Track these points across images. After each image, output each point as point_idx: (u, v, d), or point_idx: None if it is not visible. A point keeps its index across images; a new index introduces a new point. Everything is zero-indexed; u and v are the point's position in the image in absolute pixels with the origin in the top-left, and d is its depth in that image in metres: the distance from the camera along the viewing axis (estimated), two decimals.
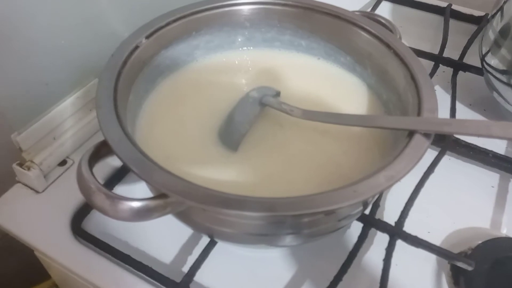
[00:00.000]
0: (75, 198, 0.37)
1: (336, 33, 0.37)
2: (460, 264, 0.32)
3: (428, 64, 0.49)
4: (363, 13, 0.37)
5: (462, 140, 0.40)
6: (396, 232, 0.34)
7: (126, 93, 0.31)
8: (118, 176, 0.38)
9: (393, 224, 0.34)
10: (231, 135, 0.32)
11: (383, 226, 0.34)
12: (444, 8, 0.55)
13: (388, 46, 0.33)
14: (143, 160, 0.25)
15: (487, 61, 0.43)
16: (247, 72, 0.39)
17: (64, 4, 0.35)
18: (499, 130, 0.25)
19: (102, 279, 0.33)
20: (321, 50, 0.39)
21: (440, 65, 0.48)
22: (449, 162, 0.41)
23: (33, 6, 0.33)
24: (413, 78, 0.30)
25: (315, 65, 0.39)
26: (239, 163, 0.32)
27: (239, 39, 0.39)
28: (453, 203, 0.38)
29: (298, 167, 0.32)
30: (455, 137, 0.40)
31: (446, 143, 0.40)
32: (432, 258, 0.34)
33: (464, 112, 0.46)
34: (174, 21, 0.35)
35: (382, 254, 0.33)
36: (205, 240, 0.34)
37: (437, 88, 0.48)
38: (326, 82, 0.38)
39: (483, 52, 0.43)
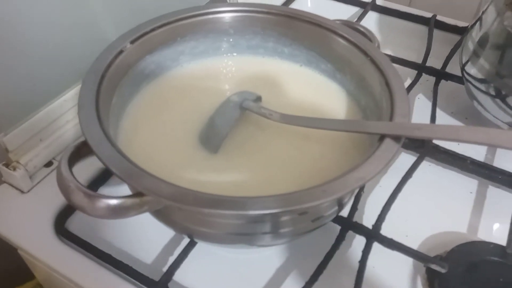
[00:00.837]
0: (60, 199, 0.37)
1: (317, 41, 0.38)
2: (434, 267, 0.33)
3: (411, 73, 0.50)
4: (343, 22, 0.38)
5: (441, 147, 0.41)
6: (372, 235, 0.35)
7: (110, 95, 0.32)
8: (103, 178, 0.39)
9: (370, 227, 0.35)
10: (212, 138, 0.33)
11: (360, 229, 0.35)
12: (429, 18, 0.57)
13: (365, 53, 0.34)
14: (121, 160, 0.26)
15: (467, 70, 0.44)
16: (231, 78, 0.40)
17: (55, 7, 0.36)
18: (467, 134, 0.26)
19: (83, 278, 0.33)
20: (303, 57, 0.40)
21: (423, 73, 0.49)
22: (428, 167, 0.42)
23: (24, 9, 0.34)
24: (387, 84, 0.31)
25: (297, 72, 0.40)
26: (220, 165, 0.32)
27: (224, 46, 0.40)
28: (431, 208, 0.39)
29: (278, 169, 0.33)
30: (434, 143, 0.41)
31: (426, 149, 0.41)
32: (408, 261, 0.35)
33: (445, 120, 0.47)
34: (160, 27, 0.36)
35: (359, 256, 0.34)
36: (186, 241, 0.35)
37: (420, 96, 0.50)
38: (307, 88, 0.39)
39: (463, 62, 0.44)
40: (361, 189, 0.37)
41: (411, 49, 0.55)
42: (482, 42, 0.41)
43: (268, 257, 0.35)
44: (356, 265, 0.33)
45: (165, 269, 0.33)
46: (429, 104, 0.47)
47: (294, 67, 0.40)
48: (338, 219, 0.35)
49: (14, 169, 0.37)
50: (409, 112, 0.29)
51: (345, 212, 0.36)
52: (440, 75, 0.49)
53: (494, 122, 0.43)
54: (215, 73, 0.40)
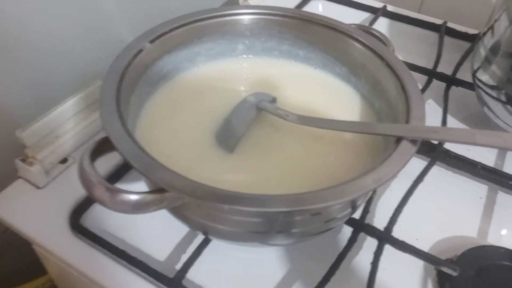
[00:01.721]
0: (75, 195, 0.38)
1: (333, 44, 0.38)
2: (445, 270, 0.33)
3: (422, 78, 0.50)
4: (359, 26, 0.38)
5: (452, 151, 0.42)
6: (384, 237, 0.35)
7: (129, 94, 0.33)
8: (118, 174, 0.39)
9: (382, 229, 0.35)
10: (228, 137, 0.33)
11: (372, 231, 0.35)
12: (439, 25, 0.57)
13: (381, 58, 0.35)
14: (142, 156, 0.26)
15: (478, 77, 0.44)
16: (246, 79, 0.41)
17: (72, 11, 0.37)
18: (483, 138, 0.26)
19: (97, 273, 0.34)
20: (318, 60, 0.40)
21: (434, 79, 0.50)
22: (439, 172, 0.42)
23: (44, 12, 0.35)
24: (403, 88, 0.32)
25: (312, 75, 0.41)
26: (235, 165, 0.33)
27: (240, 47, 0.41)
28: (441, 212, 0.39)
29: (292, 170, 0.33)
30: (445, 148, 0.42)
31: (437, 153, 0.41)
32: (419, 263, 0.35)
33: (456, 126, 0.47)
34: (178, 27, 0.37)
35: (370, 258, 0.34)
36: (199, 239, 0.35)
37: (430, 102, 0.50)
38: (322, 91, 0.39)
39: (475, 68, 0.45)
40: (373, 192, 0.38)
41: (421, 55, 0.55)
42: (494, 49, 0.41)
43: (280, 257, 0.35)
44: (367, 267, 0.34)
45: (178, 266, 0.33)
46: (439, 110, 0.47)
47: (308, 69, 0.41)
48: (350, 221, 0.36)
49: (31, 164, 0.37)
50: (425, 116, 0.29)
51: (357, 214, 0.36)
52: (451, 81, 0.49)
53: (505, 128, 0.43)
54: (231, 74, 0.41)
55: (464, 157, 0.42)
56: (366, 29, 0.38)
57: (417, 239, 0.37)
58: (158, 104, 0.37)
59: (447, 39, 0.56)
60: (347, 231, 0.36)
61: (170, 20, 0.36)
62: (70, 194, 0.38)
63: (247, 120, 0.33)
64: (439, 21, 0.58)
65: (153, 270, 0.33)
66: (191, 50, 0.39)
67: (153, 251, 0.36)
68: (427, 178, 0.39)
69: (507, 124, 0.42)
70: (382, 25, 0.60)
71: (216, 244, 0.35)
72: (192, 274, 0.34)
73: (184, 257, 0.34)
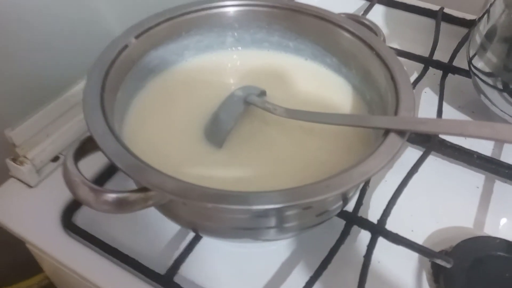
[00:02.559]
0: (67, 193, 0.36)
1: (323, 34, 0.38)
2: (439, 262, 0.33)
3: (418, 66, 0.50)
4: (349, 16, 0.37)
5: (448, 141, 0.41)
6: (377, 230, 0.34)
7: (115, 90, 0.32)
8: (110, 172, 0.39)
9: (375, 222, 0.35)
10: (216, 132, 0.33)
11: (365, 224, 0.35)
12: (436, 11, 0.56)
13: (371, 47, 0.34)
14: (126, 155, 0.26)
15: (474, 64, 0.43)
16: (236, 71, 0.40)
17: (59, 4, 0.36)
18: (473, 129, 0.25)
19: (90, 271, 0.34)
20: (309, 51, 0.40)
21: (430, 67, 0.49)
22: (435, 162, 0.42)
23: (29, 6, 0.34)
24: (393, 78, 0.31)
25: (302, 66, 0.40)
26: (224, 160, 0.33)
27: (229, 40, 0.40)
28: (437, 202, 0.39)
29: (282, 163, 0.33)
30: (440, 137, 0.41)
31: (432, 143, 0.40)
32: (414, 256, 0.35)
33: (452, 114, 0.47)
34: (164, 21, 0.36)
35: (364, 251, 0.34)
36: (191, 235, 0.35)
37: (427, 90, 0.49)
38: (313, 82, 0.39)
39: (471, 55, 0.44)
40: (367, 183, 0.37)
41: (418, 42, 0.54)
42: (489, 35, 0.41)
43: (273, 251, 0.35)
44: (361, 260, 0.33)
45: (170, 263, 0.33)
46: (435, 98, 0.47)
47: (299, 61, 0.40)
48: (343, 214, 0.35)
49: (22, 163, 0.37)
50: (414, 106, 0.29)
51: (350, 207, 0.36)
52: (447, 68, 0.49)
53: (501, 116, 0.42)
54: (220, 67, 0.40)
55: (460, 146, 0.41)
56: (357, 19, 0.37)
57: (412, 231, 0.36)
58: (147, 100, 0.36)
59: (444, 26, 0.55)
60: (341, 224, 0.35)
61: (156, 14, 0.36)
62: (62, 192, 0.37)
63: (235, 115, 0.33)
64: (435, 7, 0.57)
65: (144, 267, 0.33)
66: (179, 44, 0.38)
67: (146, 248, 0.36)
68: (422, 168, 0.39)
69: (504, 112, 0.42)
70: (377, 12, 0.59)
71: (207, 240, 0.35)
72: (184, 271, 0.33)
73: (176, 253, 0.34)
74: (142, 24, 0.35)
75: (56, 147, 0.40)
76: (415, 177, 0.38)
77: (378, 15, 0.59)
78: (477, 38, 0.43)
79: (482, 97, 0.44)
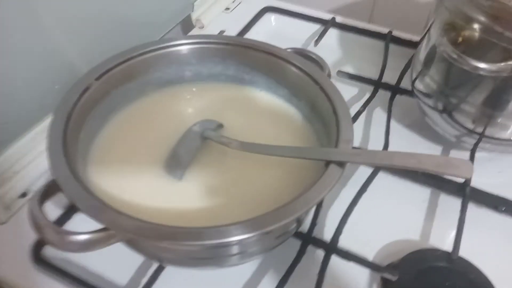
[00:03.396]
0: None
1: (273, 69, 0.40)
2: (385, 275, 0.36)
3: (369, 88, 0.53)
4: (296, 50, 0.40)
5: None
6: (330, 248, 0.37)
7: (77, 131, 0.34)
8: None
9: (328, 240, 0.38)
10: (175, 166, 0.35)
11: (318, 243, 0.38)
12: (385, 34, 0.60)
13: (316, 82, 0.37)
14: (87, 198, 0.28)
15: (416, 86, 0.47)
16: (195, 103, 0.43)
17: (18, 40, 0.38)
18: (400, 159, 0.29)
19: None
20: (263, 83, 0.42)
21: (380, 89, 0.53)
22: (385, 179, 0.45)
23: None
24: (335, 112, 0.34)
25: (257, 97, 0.43)
26: (184, 192, 0.35)
27: (187, 74, 0.43)
28: (387, 217, 0.42)
29: (238, 192, 0.35)
30: None
31: None
32: (365, 270, 0.38)
33: (400, 133, 0.50)
34: (123, 62, 0.38)
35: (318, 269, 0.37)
36: (157, 264, 0.37)
37: (377, 110, 0.52)
38: (267, 112, 0.42)
39: (413, 77, 0.47)
40: (319, 205, 0.40)
41: (370, 63, 0.58)
42: (427, 60, 0.44)
43: (235, 272, 0.38)
44: (315, 277, 0.36)
45: None
46: (385, 118, 0.50)
47: (254, 92, 0.43)
48: (298, 235, 0.38)
49: None
50: (352, 139, 0.32)
51: (305, 227, 0.38)
52: (395, 90, 0.52)
53: (443, 135, 0.46)
54: (180, 101, 0.43)
55: None
56: (304, 53, 0.40)
57: (363, 246, 0.39)
58: (109, 135, 0.39)
59: (394, 47, 0.59)
60: (297, 244, 0.38)
61: (115, 56, 0.38)
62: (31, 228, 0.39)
63: (193, 150, 0.36)
64: (385, 30, 0.61)
65: None
66: (139, 82, 0.40)
67: (115, 276, 0.37)
68: (372, 186, 0.42)
69: (446, 132, 0.45)
70: (332, 36, 0.62)
71: (172, 267, 0.37)
72: None
73: (144, 281, 0.36)
74: (102, 65, 0.37)
75: (24, 183, 0.41)
76: (366, 194, 0.41)
77: (332, 37, 0.62)
78: (418, 60, 0.46)
79: (426, 117, 0.47)
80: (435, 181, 0.44)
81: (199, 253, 0.31)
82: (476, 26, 0.36)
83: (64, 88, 0.35)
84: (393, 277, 0.35)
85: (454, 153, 0.48)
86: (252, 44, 0.40)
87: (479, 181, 0.43)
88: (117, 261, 0.38)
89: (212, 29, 0.62)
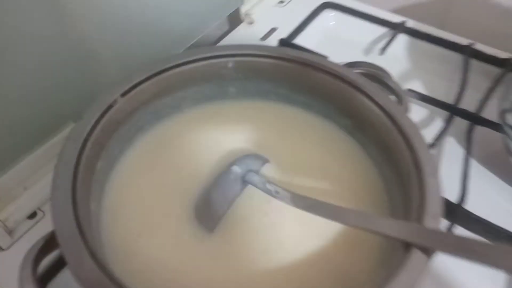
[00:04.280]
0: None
1: (337, 93, 0.33)
2: None
3: (441, 113, 0.44)
4: (369, 71, 0.32)
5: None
6: None
7: (94, 161, 0.28)
8: None
9: None
10: (208, 215, 0.28)
11: None
12: (464, 46, 0.50)
13: (392, 119, 0.29)
14: (92, 267, 0.22)
15: (508, 119, 0.38)
16: (237, 126, 0.36)
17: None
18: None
19: None
20: (321, 108, 0.35)
21: (455, 116, 0.44)
22: None
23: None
24: (417, 165, 0.26)
25: (313, 124, 0.35)
26: (214, 249, 0.28)
27: (231, 90, 0.36)
28: None
29: (282, 257, 0.28)
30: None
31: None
32: None
33: (479, 175, 0.41)
34: (156, 74, 0.32)
35: None
36: None
37: (451, 143, 0.44)
38: (324, 145, 0.34)
39: (503, 106, 0.39)
40: None
41: (444, 78, 0.49)
42: None
43: None
44: None
45: None
46: (461, 154, 0.41)
47: (309, 117, 0.35)
48: None
49: None
50: (441, 212, 0.24)
51: None
52: (475, 119, 0.43)
53: None
54: (220, 120, 0.36)
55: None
56: (379, 77, 0.32)
57: None
58: (132, 163, 0.32)
59: (475, 64, 0.49)
60: None
61: (145, 67, 0.31)
62: None
63: (230, 197, 0.29)
64: (464, 41, 0.51)
65: None
66: (174, 97, 0.34)
67: None
68: None
69: None
70: (400, 42, 0.53)
71: None
72: None
73: None
74: (130, 79, 0.31)
75: (35, 202, 0.36)
76: None
77: (401, 46, 0.53)
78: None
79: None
80: None
81: None
82: None
83: (84, 97, 0.28)
84: None
85: None
86: (312, 62, 0.33)
87: None
88: None
89: (262, 26, 0.54)
